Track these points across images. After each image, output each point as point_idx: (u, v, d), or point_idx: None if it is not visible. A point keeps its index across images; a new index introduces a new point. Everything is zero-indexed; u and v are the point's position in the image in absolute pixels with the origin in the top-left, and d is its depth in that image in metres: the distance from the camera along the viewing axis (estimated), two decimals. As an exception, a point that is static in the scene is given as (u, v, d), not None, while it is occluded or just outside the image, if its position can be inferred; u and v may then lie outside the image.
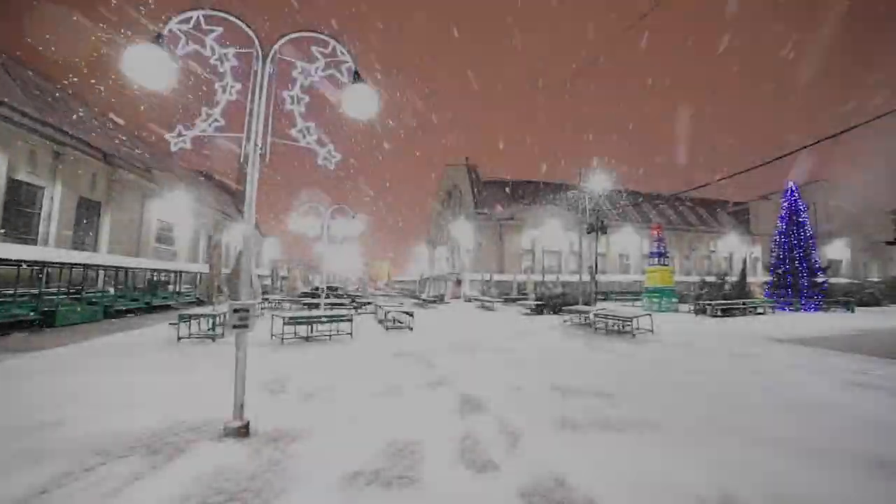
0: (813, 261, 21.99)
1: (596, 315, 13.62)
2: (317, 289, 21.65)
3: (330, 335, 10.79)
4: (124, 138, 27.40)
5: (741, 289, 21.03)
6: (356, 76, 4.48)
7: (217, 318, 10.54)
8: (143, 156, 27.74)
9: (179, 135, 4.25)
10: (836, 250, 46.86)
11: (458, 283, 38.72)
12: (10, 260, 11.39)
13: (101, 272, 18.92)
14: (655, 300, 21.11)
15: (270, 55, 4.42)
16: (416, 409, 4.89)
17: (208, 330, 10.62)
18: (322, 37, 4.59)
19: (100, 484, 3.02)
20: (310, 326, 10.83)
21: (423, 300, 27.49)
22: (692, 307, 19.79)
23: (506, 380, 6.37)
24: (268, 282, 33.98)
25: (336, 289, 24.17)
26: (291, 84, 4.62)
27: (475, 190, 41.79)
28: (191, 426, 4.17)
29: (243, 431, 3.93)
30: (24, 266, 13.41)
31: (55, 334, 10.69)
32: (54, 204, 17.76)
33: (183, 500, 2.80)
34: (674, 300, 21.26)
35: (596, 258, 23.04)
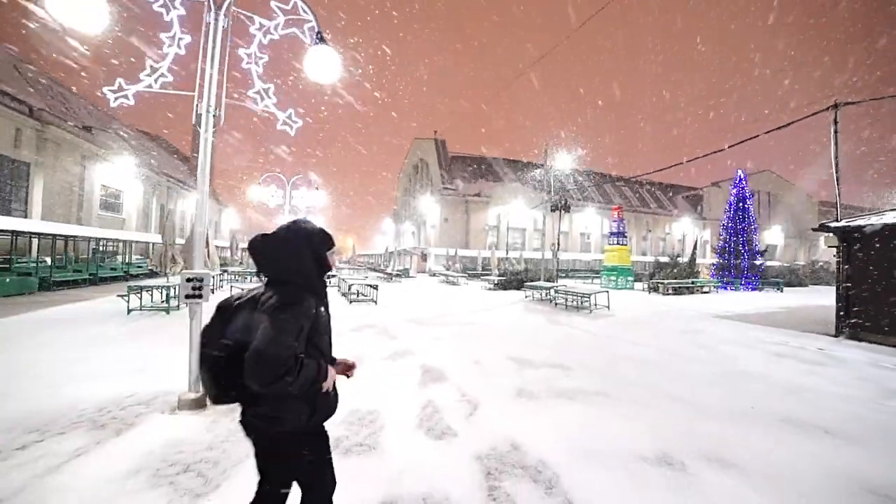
0: (754, 245, 23.73)
1: (556, 291, 14.12)
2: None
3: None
4: (62, 94, 24.78)
5: (691, 269, 22.41)
6: (319, 37, 4.22)
7: (171, 290, 10.05)
8: (82, 114, 25.26)
9: (120, 89, 3.89)
10: (772, 235, 50.71)
11: (424, 257, 38.82)
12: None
13: (35, 240, 17.36)
14: (613, 278, 22.13)
15: (224, 6, 4.08)
16: (378, 379, 4.94)
17: (162, 302, 10.11)
18: (282, -9, 4.27)
19: (37, 461, 2.86)
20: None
21: (388, 274, 27.38)
22: (646, 286, 20.91)
23: (467, 352, 6.53)
24: (227, 253, 32.58)
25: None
26: (249, 41, 4.31)
27: (443, 164, 41.41)
28: (141, 400, 4.02)
29: (199, 403, 3.83)
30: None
31: (-16, 306, 9.83)
32: (-27, 163, 15.93)
33: (132, 474, 2.72)
34: (630, 279, 22.37)
35: (559, 236, 23.74)
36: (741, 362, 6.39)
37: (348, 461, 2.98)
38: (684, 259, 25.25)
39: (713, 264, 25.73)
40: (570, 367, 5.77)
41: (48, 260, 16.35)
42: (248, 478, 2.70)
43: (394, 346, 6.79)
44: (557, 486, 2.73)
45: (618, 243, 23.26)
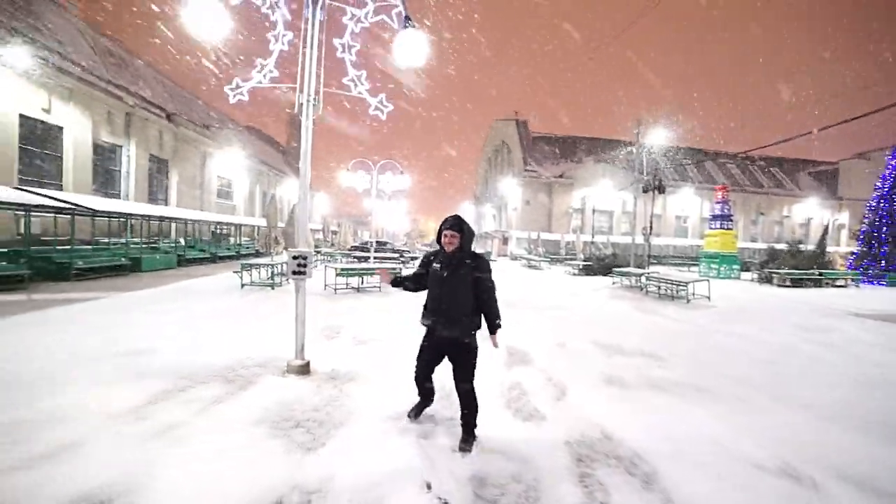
0: (916, 231, 19.01)
1: (648, 278, 13.07)
2: (366, 243, 22.38)
3: (379, 286, 11.26)
4: (182, 95, 28.74)
5: (819, 258, 18.97)
6: (407, 21, 4.29)
7: (275, 268, 11.28)
8: (200, 114, 29.08)
9: (237, 87, 4.36)
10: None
11: (505, 241, 38.38)
12: (103, 212, 12.70)
13: (174, 224, 20.68)
14: (715, 266, 19.80)
15: (320, 1, 4.32)
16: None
17: (268, 279, 11.42)
18: (372, -22, 4.39)
19: (190, 402, 3.45)
20: (360, 278, 11.33)
21: (469, 257, 27.61)
22: (756, 275, 18.37)
23: (552, 336, 6.37)
24: (319, 236, 35.59)
25: (385, 244, 24.82)
26: (342, 31, 4.53)
27: (524, 146, 40.19)
28: (257, 363, 4.58)
29: (305, 369, 4.26)
30: (114, 218, 14.94)
31: (140, 278, 12.00)
32: (130, 162, 19.29)
33: (257, 423, 3.14)
34: (735, 267, 19.82)
35: (651, 219, 21.76)
36: (885, 369, 5.33)
37: (437, 431, 3.10)
38: (809, 246, 21.52)
39: (852, 253, 21.46)
40: (664, 358, 5.34)
41: (182, 241, 19.42)
42: (349, 438, 2.98)
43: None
44: (656, 483, 2.56)
45: (721, 227, 20.62)
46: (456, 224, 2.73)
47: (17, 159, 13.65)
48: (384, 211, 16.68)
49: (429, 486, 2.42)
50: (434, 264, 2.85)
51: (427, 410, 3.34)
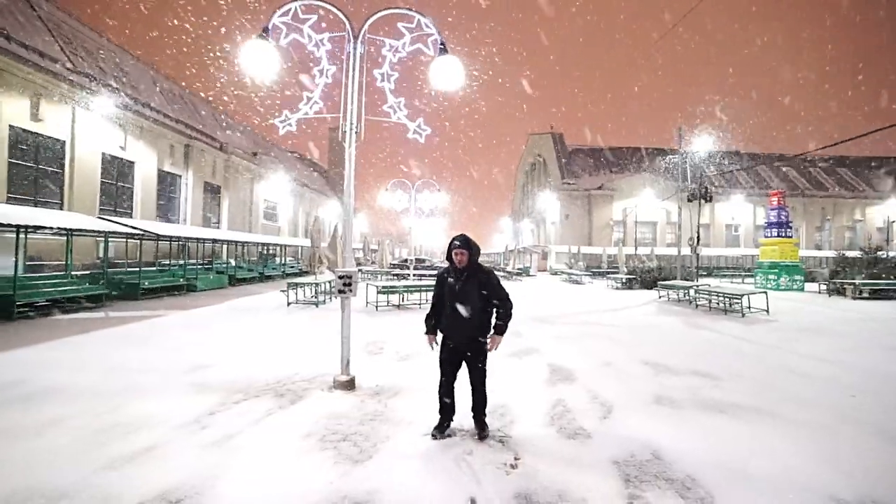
0: None
1: (697, 291, 12.40)
2: (405, 261, 22.81)
3: (419, 304, 11.42)
4: (238, 129, 31.01)
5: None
6: (442, 48, 4.50)
7: (319, 287, 11.75)
8: (247, 142, 31.20)
9: (285, 119, 4.72)
10: None
11: (544, 255, 37.73)
12: (166, 236, 13.89)
13: (225, 246, 22.11)
14: (774, 277, 18.41)
15: (360, 36, 4.62)
16: (504, 376, 4.99)
17: (312, 297, 11.90)
18: (408, 12, 4.66)
19: (245, 414, 3.67)
20: (401, 295, 11.56)
21: (508, 272, 27.35)
22: (824, 286, 16.89)
23: (596, 353, 6.19)
24: (359, 254, 36.63)
25: (423, 261, 25.18)
26: (381, 62, 4.81)
27: (561, 159, 39.81)
28: (305, 378, 4.79)
29: (350, 385, 4.41)
30: (173, 241, 16.26)
31: (196, 297, 12.88)
32: (188, 189, 20.99)
33: (306, 436, 3.28)
34: (799, 278, 18.34)
35: (698, 229, 20.70)
36: None
37: (480, 448, 3.10)
38: (892, 252, 19.41)
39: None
40: (719, 377, 5.03)
41: (232, 261, 20.69)
42: (394, 452, 3.05)
43: (518, 344, 6.77)
44: (714, 508, 2.42)
45: (779, 235, 19.24)
46: (464, 242, 3.24)
47: (98, 192, 15.30)
48: (422, 229, 17.02)
49: (473, 503, 2.44)
50: (448, 279, 3.31)
51: (467, 427, 3.37)
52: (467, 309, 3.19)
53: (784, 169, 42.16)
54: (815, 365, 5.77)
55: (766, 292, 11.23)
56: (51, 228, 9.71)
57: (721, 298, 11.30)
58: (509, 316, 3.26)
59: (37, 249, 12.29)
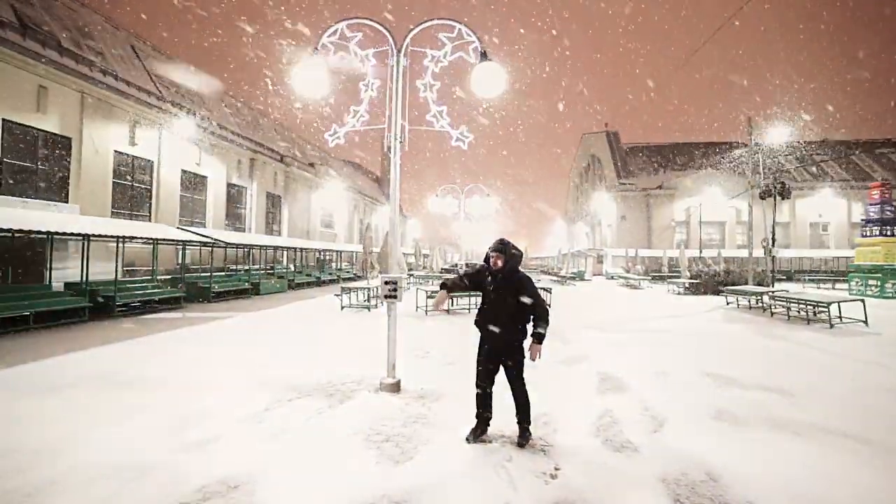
0: None
1: (773, 297, 11.24)
2: (456, 265, 22.94)
3: (469, 308, 11.46)
4: (295, 138, 33.12)
5: None
6: (483, 55, 4.53)
7: (371, 291, 12.19)
8: (305, 153, 33.15)
9: (335, 132, 5.00)
10: None
11: (600, 259, 36.25)
12: (234, 244, 15.22)
13: (285, 252, 23.65)
14: (873, 282, 16.15)
15: (403, 48, 4.79)
16: (550, 383, 4.88)
17: (364, 301, 12.37)
18: (448, 22, 4.76)
19: (297, 412, 3.92)
20: (451, 300, 11.67)
21: (562, 277, 26.57)
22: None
23: (651, 362, 5.85)
24: (412, 259, 37.43)
25: (474, 265, 25.19)
26: (423, 73, 4.94)
27: (617, 159, 38.09)
28: (353, 379, 4.99)
29: (395, 387, 4.54)
30: (240, 248, 17.71)
31: (259, 300, 13.91)
32: (253, 199, 22.76)
33: (352, 434, 3.44)
34: (905, 283, 15.94)
35: (774, 229, 18.76)
36: None
37: (521, 455, 3.07)
38: None
39: None
40: (795, 394, 4.54)
41: (292, 267, 22.05)
42: (435, 454, 3.10)
43: (567, 351, 6.58)
44: (778, 538, 2.20)
45: (882, 234, 16.79)
46: (500, 247, 3.36)
47: (178, 204, 17.10)
48: (473, 233, 17.07)
49: (510, 511, 2.42)
50: (487, 278, 3.42)
51: (508, 434, 3.33)
52: (502, 312, 3.29)
53: (892, 155, 36.48)
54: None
55: (862, 300, 9.83)
56: (142, 238, 11.06)
57: (803, 306, 10.14)
58: (546, 323, 3.27)
59: (131, 257, 13.98)
